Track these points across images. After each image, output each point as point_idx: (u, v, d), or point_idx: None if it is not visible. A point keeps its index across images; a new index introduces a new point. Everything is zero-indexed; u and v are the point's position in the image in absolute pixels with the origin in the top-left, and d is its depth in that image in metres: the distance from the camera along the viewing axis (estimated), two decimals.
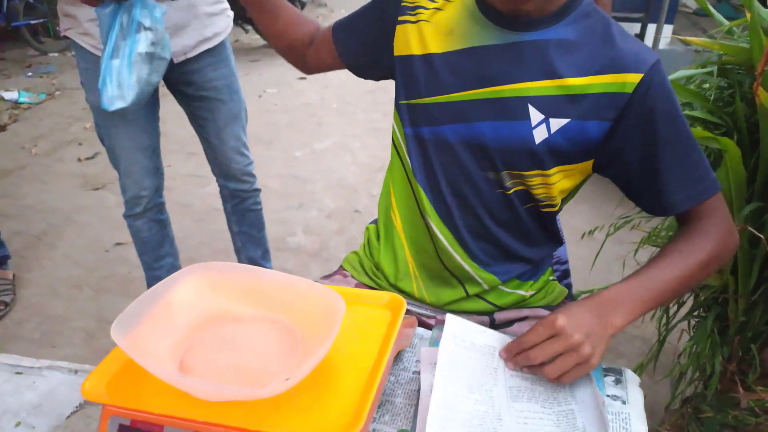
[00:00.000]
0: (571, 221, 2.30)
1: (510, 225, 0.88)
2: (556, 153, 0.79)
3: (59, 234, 2.46)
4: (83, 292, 2.09)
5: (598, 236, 1.70)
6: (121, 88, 1.31)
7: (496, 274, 0.91)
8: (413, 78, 0.84)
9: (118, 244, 2.37)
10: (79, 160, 3.17)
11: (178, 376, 0.61)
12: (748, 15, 1.02)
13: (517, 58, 0.77)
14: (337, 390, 0.61)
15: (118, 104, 1.32)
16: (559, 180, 0.82)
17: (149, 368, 0.58)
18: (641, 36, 2.45)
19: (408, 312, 0.96)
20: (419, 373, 0.76)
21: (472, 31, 0.80)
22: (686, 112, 1.11)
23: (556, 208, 0.87)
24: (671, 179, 0.77)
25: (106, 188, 2.87)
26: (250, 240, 1.90)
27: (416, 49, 0.84)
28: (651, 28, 2.42)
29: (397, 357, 0.79)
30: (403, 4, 0.85)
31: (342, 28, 0.94)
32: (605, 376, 0.75)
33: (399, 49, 0.86)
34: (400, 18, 0.85)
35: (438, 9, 0.83)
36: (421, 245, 0.92)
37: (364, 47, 0.92)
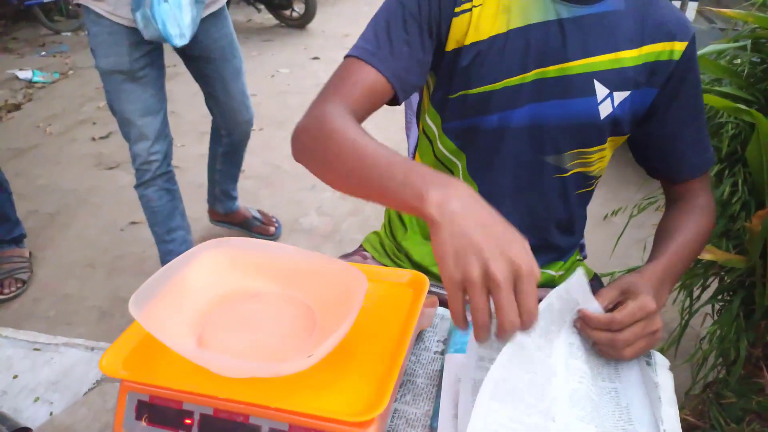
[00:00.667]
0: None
1: (557, 212, 0.88)
2: (617, 125, 0.81)
3: (73, 213, 2.46)
4: (97, 272, 2.10)
5: (614, 220, 1.67)
6: (180, 27, 1.45)
7: (539, 253, 0.91)
8: (474, 67, 0.78)
9: (133, 223, 2.37)
10: (93, 139, 3.17)
11: (197, 351, 0.60)
12: None
13: (577, 34, 0.76)
14: (359, 369, 0.60)
15: (181, 42, 1.48)
16: (608, 153, 0.85)
17: (168, 343, 0.57)
18: None
19: (429, 292, 0.94)
20: (441, 353, 0.75)
21: (527, 7, 0.76)
22: (716, 87, 1.07)
23: (593, 187, 0.89)
24: (691, 145, 0.83)
25: (120, 167, 2.87)
26: (229, 177, 2.14)
27: (474, 37, 0.77)
28: (675, 4, 2.36)
29: (418, 337, 0.77)
30: None
31: (391, 68, 0.76)
32: None
33: (454, 41, 0.78)
34: (457, 9, 0.77)
35: None
36: None
37: (420, 67, 0.79)
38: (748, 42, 1.05)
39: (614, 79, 0.77)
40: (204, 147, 3.15)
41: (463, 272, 0.50)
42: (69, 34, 5.19)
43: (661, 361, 0.73)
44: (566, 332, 0.66)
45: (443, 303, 0.91)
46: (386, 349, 0.61)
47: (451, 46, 0.79)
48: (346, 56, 0.77)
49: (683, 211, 0.85)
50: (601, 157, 0.85)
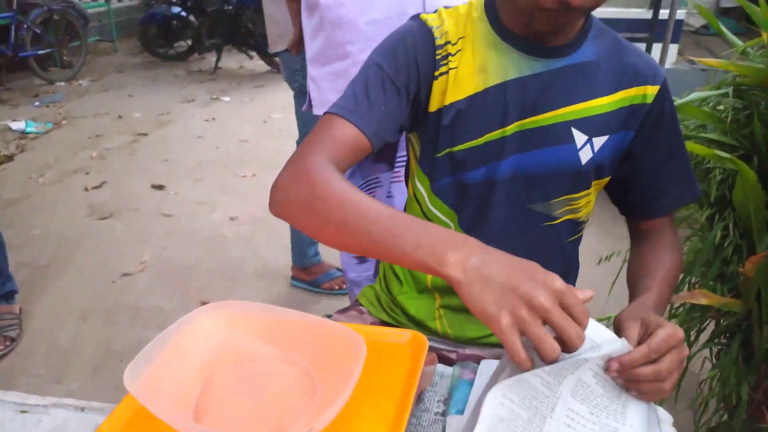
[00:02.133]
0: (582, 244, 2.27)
1: (552, 261, 0.87)
2: (599, 169, 0.83)
3: (66, 264, 2.44)
4: (89, 324, 2.07)
5: (607, 262, 1.67)
6: None
7: None
8: (456, 124, 0.81)
9: (126, 274, 2.36)
10: (86, 189, 3.17)
11: (193, 426, 0.58)
12: (765, 35, 1.01)
13: (552, 86, 0.79)
14: None
15: None
16: (593, 197, 0.87)
17: (164, 417, 0.56)
18: None
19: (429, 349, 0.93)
20: (442, 414, 0.73)
21: (503, 64, 0.79)
22: (702, 134, 1.09)
23: (582, 233, 0.91)
24: (669, 182, 0.85)
25: (113, 217, 2.86)
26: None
27: (453, 96, 0.80)
28: (656, 47, 2.43)
29: (418, 397, 0.76)
30: (437, 58, 0.80)
31: (371, 126, 0.77)
32: None
33: (436, 102, 0.81)
34: (436, 73, 0.80)
35: (460, 50, 0.81)
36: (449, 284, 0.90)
37: (398, 125, 0.81)
38: (730, 89, 1.08)
39: (591, 125, 0.80)
40: (199, 193, 3.17)
41: (512, 314, 0.52)
42: (63, 83, 5.26)
43: (664, 417, 0.72)
44: (579, 373, 0.64)
45: (442, 359, 0.90)
46: (388, 414, 0.61)
47: (433, 107, 0.81)
48: (326, 113, 0.78)
49: (658, 247, 0.86)
50: (588, 202, 0.87)
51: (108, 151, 3.73)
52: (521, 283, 0.53)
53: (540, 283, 0.53)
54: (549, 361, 0.53)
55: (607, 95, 0.80)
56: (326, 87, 1.35)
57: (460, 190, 0.85)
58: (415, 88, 0.80)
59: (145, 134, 4.02)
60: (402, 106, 0.80)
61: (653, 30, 2.39)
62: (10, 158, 3.61)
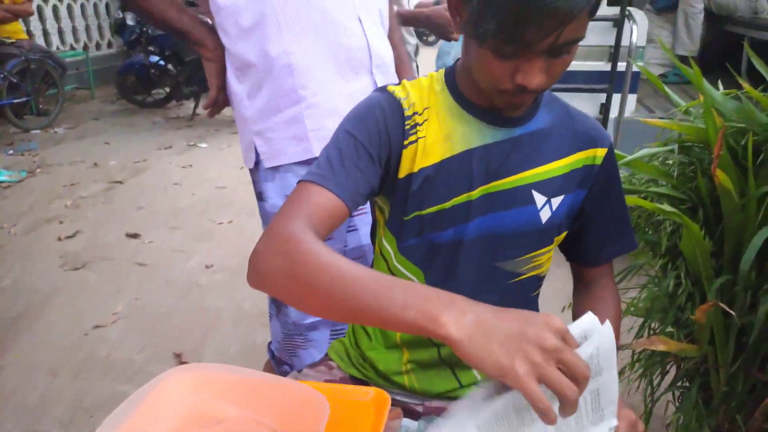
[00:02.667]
0: (547, 289, 2.32)
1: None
2: (557, 227, 0.89)
3: (37, 316, 2.41)
4: (60, 378, 2.03)
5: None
6: None
7: None
8: (424, 189, 0.85)
9: (98, 326, 2.33)
10: (60, 239, 3.15)
11: None
12: (701, 97, 1.09)
13: (513, 152, 0.85)
14: None
15: None
16: (552, 252, 0.93)
17: None
18: (607, 105, 2.57)
19: (393, 402, 0.95)
20: None
21: (466, 133, 0.85)
22: (652, 188, 1.16)
23: (541, 288, 0.97)
24: (613, 233, 0.93)
25: (86, 267, 2.84)
26: None
27: (422, 163, 0.85)
28: (616, 98, 2.55)
29: None
30: (406, 128, 0.85)
31: (348, 192, 0.80)
32: None
33: (405, 169, 0.85)
34: (406, 142, 0.85)
35: (426, 120, 0.86)
36: (418, 340, 0.92)
37: (370, 190, 0.84)
38: (675, 146, 1.16)
39: (549, 186, 0.86)
40: (175, 242, 3.16)
41: (527, 361, 0.52)
42: (38, 131, 5.26)
43: None
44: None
45: (408, 413, 0.92)
46: None
47: (403, 173, 0.86)
48: (300, 181, 0.81)
49: (599, 295, 0.95)
50: (549, 258, 0.93)
51: (83, 200, 3.72)
52: (527, 329, 0.53)
53: (543, 325, 0.54)
54: (569, 401, 0.52)
55: (561, 158, 0.87)
56: (278, 137, 1.37)
57: (427, 249, 0.89)
58: (386, 156, 0.84)
59: (121, 182, 4.03)
60: (375, 173, 0.84)
61: (612, 81, 2.52)
62: None
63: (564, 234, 0.92)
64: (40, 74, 5.41)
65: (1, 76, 4.93)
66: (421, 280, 0.90)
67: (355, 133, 0.83)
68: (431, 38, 9.60)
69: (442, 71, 0.90)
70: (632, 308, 1.28)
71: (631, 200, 1.11)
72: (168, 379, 0.72)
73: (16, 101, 5.15)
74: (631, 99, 2.62)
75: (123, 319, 2.39)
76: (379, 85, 1.34)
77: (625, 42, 2.44)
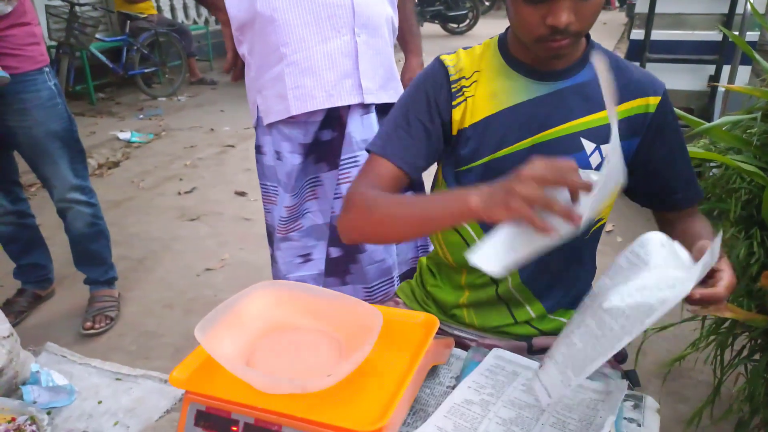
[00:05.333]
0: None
1: (570, 253, 0.96)
2: None
3: (158, 259, 2.75)
4: (174, 312, 2.33)
5: None
6: None
7: (545, 303, 1.01)
8: (478, 142, 0.94)
9: (208, 269, 2.62)
10: (179, 193, 3.52)
11: (244, 369, 0.74)
12: None
13: (559, 104, 0.91)
14: (371, 389, 0.72)
15: None
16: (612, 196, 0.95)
17: (222, 362, 0.72)
18: (716, 77, 2.43)
19: (450, 334, 1.05)
20: (452, 387, 0.85)
21: (513, 89, 0.92)
22: (731, 156, 1.14)
23: (603, 222, 1.00)
24: (676, 182, 0.95)
25: (200, 219, 3.17)
26: None
27: (471, 119, 0.94)
28: (726, 69, 2.40)
29: (434, 372, 0.89)
30: (452, 91, 0.95)
31: (404, 159, 0.94)
32: (625, 400, 0.81)
33: (456, 125, 0.95)
34: (454, 103, 0.95)
35: (475, 82, 0.94)
36: (479, 282, 1.02)
37: (426, 154, 0.96)
38: (758, 114, 1.12)
39: (598, 134, 0.91)
40: None
41: (514, 204, 0.68)
42: (164, 99, 5.80)
43: (650, 403, 0.80)
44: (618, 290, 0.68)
45: (461, 345, 1.02)
46: (397, 374, 0.74)
47: (455, 130, 0.96)
48: (368, 150, 0.97)
49: (689, 224, 0.96)
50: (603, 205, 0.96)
51: (199, 161, 4.10)
52: (513, 184, 0.69)
53: (526, 178, 0.69)
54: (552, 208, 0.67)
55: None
56: (269, 94, 1.44)
57: None
58: (439, 120, 0.95)
59: (232, 146, 4.38)
60: (432, 138, 0.95)
61: (722, 52, 2.37)
62: (116, 164, 4.06)
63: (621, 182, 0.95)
64: (167, 47, 5.94)
65: (135, 48, 5.48)
66: (475, 225, 0.99)
67: (409, 103, 0.96)
68: (462, 26, 9.38)
69: (496, 37, 0.97)
70: None
71: (712, 156, 1.10)
72: (253, 293, 0.86)
73: (146, 71, 5.71)
74: (744, 71, 2.45)
75: (228, 266, 2.66)
76: (361, 43, 1.39)
77: (739, 9, 2.29)
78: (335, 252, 1.51)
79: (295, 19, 1.34)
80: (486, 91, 0.93)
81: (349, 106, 1.43)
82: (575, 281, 1.02)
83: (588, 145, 0.91)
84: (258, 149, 1.54)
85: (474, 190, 0.75)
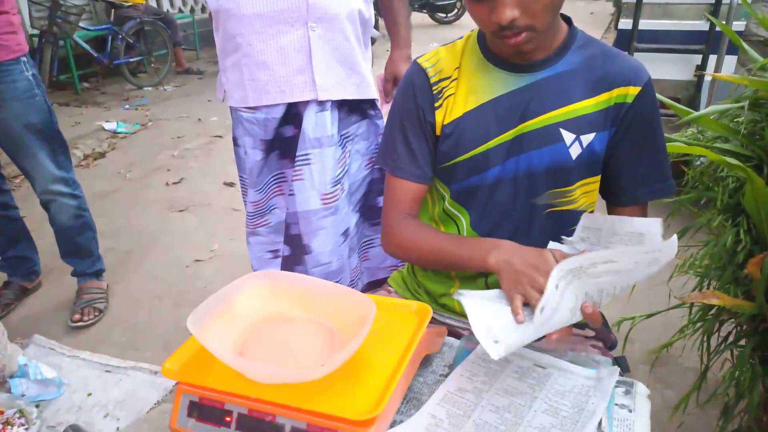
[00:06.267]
0: None
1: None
2: (590, 163, 0.93)
3: (146, 251, 2.73)
4: (164, 304, 2.32)
5: None
6: None
7: None
8: (457, 138, 0.95)
9: (197, 261, 2.61)
10: (167, 184, 3.49)
11: (236, 359, 0.74)
12: None
13: (537, 95, 0.91)
14: (366, 379, 0.73)
15: None
16: (592, 188, 0.98)
17: (215, 353, 0.72)
18: (702, 67, 2.45)
19: (442, 323, 1.06)
20: (445, 376, 0.86)
21: (491, 83, 0.93)
22: (717, 144, 1.15)
23: (591, 210, 1.01)
24: (648, 172, 0.94)
25: (188, 210, 3.15)
26: None
27: (451, 116, 0.95)
28: (712, 59, 2.42)
29: (426, 361, 0.89)
30: (433, 93, 0.96)
31: (416, 172, 1.00)
32: (616, 387, 0.82)
33: (439, 125, 0.97)
34: (436, 105, 0.96)
35: (456, 80, 0.95)
36: (469, 274, 1.03)
37: (430, 158, 1.01)
38: (746, 102, 1.13)
39: (577, 125, 0.90)
40: None
41: (520, 288, 0.78)
42: (150, 89, 5.73)
43: (641, 390, 0.81)
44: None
45: (453, 334, 1.02)
46: (390, 364, 0.74)
47: (438, 129, 0.97)
48: (386, 172, 1.04)
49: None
50: (585, 193, 0.97)
51: (187, 151, 4.07)
52: (529, 271, 0.79)
53: (540, 270, 0.78)
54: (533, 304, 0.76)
55: (590, 97, 0.90)
56: (229, 79, 1.45)
57: (468, 192, 0.98)
58: (428, 124, 0.97)
59: (220, 137, 4.35)
60: (427, 141, 0.98)
61: (709, 42, 2.39)
62: (102, 155, 4.01)
63: (599, 173, 0.96)
64: (152, 36, 5.86)
65: (120, 37, 5.40)
66: (466, 218, 1.00)
67: (401, 114, 0.99)
68: (450, 15, 9.41)
69: (477, 30, 0.96)
70: (691, 265, 1.29)
71: (695, 149, 1.11)
72: (245, 284, 0.86)
73: (131, 60, 5.63)
74: (730, 60, 2.47)
75: (217, 257, 2.65)
76: (315, 38, 1.36)
77: None
78: (286, 250, 1.51)
79: (250, 10, 1.32)
80: (466, 88, 0.94)
81: (306, 102, 1.41)
82: None
83: (567, 136, 0.91)
84: (234, 141, 1.53)
85: (498, 251, 0.84)
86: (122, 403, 1.51)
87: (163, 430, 1.48)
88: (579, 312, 0.77)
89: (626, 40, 2.53)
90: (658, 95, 0.98)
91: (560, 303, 0.75)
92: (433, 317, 0.94)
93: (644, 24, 2.52)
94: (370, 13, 1.48)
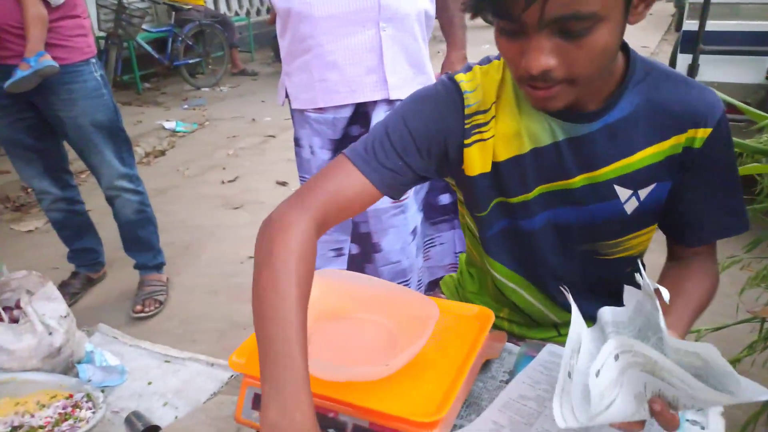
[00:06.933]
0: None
1: (607, 287, 0.90)
2: (648, 214, 0.82)
3: (202, 246, 2.81)
4: (218, 298, 2.38)
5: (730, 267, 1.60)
6: None
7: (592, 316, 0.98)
8: (494, 187, 0.83)
9: (250, 257, 2.67)
10: (222, 182, 3.59)
11: None
12: None
13: (588, 149, 0.77)
14: (427, 381, 0.72)
15: None
16: (648, 235, 0.87)
17: None
18: None
19: (498, 328, 1.04)
20: (505, 382, 0.85)
21: (537, 129, 0.79)
22: None
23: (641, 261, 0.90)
24: (718, 213, 0.81)
25: (242, 208, 3.22)
26: None
27: (488, 164, 0.81)
28: None
29: (486, 366, 0.88)
30: (466, 126, 0.80)
31: (380, 176, 0.79)
32: None
33: (473, 168, 0.82)
34: (467, 141, 0.81)
35: (494, 117, 0.80)
36: (513, 302, 0.95)
37: (416, 176, 0.82)
38: None
39: (635, 179, 0.78)
40: None
41: None
42: (207, 89, 5.90)
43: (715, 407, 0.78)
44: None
45: (511, 339, 1.01)
46: (453, 367, 0.74)
47: (471, 172, 0.82)
48: (341, 155, 0.80)
49: (694, 271, 0.83)
50: (641, 242, 0.86)
51: (241, 150, 4.17)
52: None
53: None
54: None
55: (651, 145, 0.77)
56: (296, 81, 1.45)
57: (505, 239, 0.88)
58: (438, 150, 0.81)
59: (273, 136, 4.44)
60: (421, 163, 0.80)
61: None
62: (162, 153, 4.17)
63: (657, 221, 0.85)
64: (211, 37, 6.03)
65: (180, 38, 5.59)
66: (502, 266, 0.91)
67: (407, 120, 0.80)
68: None
69: None
70: (764, 278, 1.23)
71: (760, 168, 1.05)
72: None
73: (190, 61, 5.82)
74: None
75: None
76: (386, 38, 1.35)
77: None
78: (354, 249, 1.52)
79: (322, 12, 1.35)
80: (506, 129, 0.80)
81: (375, 102, 1.43)
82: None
83: (623, 192, 0.79)
84: (296, 141, 1.56)
85: (274, 407, 0.59)
86: (180, 392, 1.56)
87: (219, 420, 1.52)
88: (647, 406, 0.60)
89: (692, 42, 2.43)
90: (729, 99, 0.92)
91: (621, 382, 0.60)
92: None
93: (711, 25, 2.40)
94: (434, 13, 1.48)
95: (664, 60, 5.78)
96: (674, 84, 0.77)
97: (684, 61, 2.49)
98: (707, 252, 0.86)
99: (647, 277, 0.65)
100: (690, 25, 2.50)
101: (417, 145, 0.79)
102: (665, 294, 0.63)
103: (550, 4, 0.59)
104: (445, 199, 1.59)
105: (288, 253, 0.69)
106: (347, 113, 1.44)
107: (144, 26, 5.35)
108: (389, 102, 1.42)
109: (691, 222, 0.83)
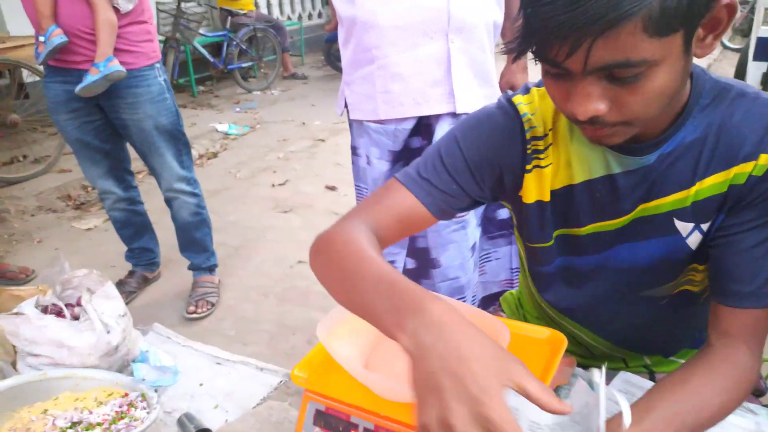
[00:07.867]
0: None
1: (679, 322, 0.87)
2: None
3: (253, 248, 2.85)
4: (269, 300, 2.40)
5: None
6: None
7: (663, 353, 0.93)
8: (549, 217, 0.80)
9: (300, 262, 2.69)
10: (273, 185, 3.64)
11: (366, 373, 0.73)
12: None
13: (645, 180, 0.73)
14: None
15: None
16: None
17: (344, 364, 0.72)
18: None
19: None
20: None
21: (589, 160, 0.75)
22: None
23: (705, 297, 0.84)
24: (757, 268, 0.69)
25: (293, 211, 3.26)
26: None
27: (545, 192, 0.78)
28: None
29: (554, 392, 0.84)
30: (527, 152, 0.77)
31: (432, 198, 0.77)
32: None
33: (531, 195, 0.79)
34: (528, 167, 0.78)
35: (551, 144, 0.77)
36: (573, 337, 0.92)
37: (470, 200, 0.80)
38: None
39: (697, 212, 0.72)
40: None
41: (421, 419, 0.47)
42: (259, 93, 6.01)
43: None
44: None
45: (580, 364, 0.96)
46: None
47: (529, 199, 0.80)
48: (393, 178, 0.79)
49: (722, 370, 0.68)
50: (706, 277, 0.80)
51: (292, 153, 4.22)
52: (451, 392, 0.46)
53: (471, 403, 0.45)
54: None
55: (714, 173, 0.70)
56: (357, 91, 1.42)
57: (561, 276, 0.86)
58: (492, 175, 0.79)
59: (323, 140, 4.47)
60: (474, 187, 0.78)
61: None
62: (215, 155, 4.26)
63: None
64: (263, 42, 6.15)
65: (234, 43, 5.71)
66: (554, 309, 0.90)
67: (461, 142, 0.77)
68: None
69: None
70: None
71: None
72: None
73: (243, 65, 5.94)
74: None
75: None
76: (455, 50, 1.31)
77: None
78: (410, 263, 1.50)
79: (389, 22, 1.33)
80: (562, 158, 0.76)
81: (438, 114, 1.40)
82: (692, 329, 0.90)
83: (683, 227, 0.73)
84: (353, 150, 1.55)
85: (421, 319, 0.53)
86: (230, 395, 1.57)
87: (268, 426, 1.53)
88: None
89: (766, 50, 2.31)
90: None
91: None
92: None
93: None
94: (501, 22, 1.45)
95: (728, 69, 5.52)
96: (744, 110, 0.68)
97: (757, 69, 2.36)
98: (748, 333, 0.70)
99: (606, 389, 0.61)
100: (765, 31, 2.37)
101: (470, 166, 0.77)
102: (626, 419, 0.58)
103: (595, 51, 0.55)
104: (503, 213, 1.55)
105: (358, 235, 0.69)
106: (410, 125, 1.42)
107: (201, 30, 5.49)
108: (454, 115, 1.40)
109: (735, 270, 0.70)
